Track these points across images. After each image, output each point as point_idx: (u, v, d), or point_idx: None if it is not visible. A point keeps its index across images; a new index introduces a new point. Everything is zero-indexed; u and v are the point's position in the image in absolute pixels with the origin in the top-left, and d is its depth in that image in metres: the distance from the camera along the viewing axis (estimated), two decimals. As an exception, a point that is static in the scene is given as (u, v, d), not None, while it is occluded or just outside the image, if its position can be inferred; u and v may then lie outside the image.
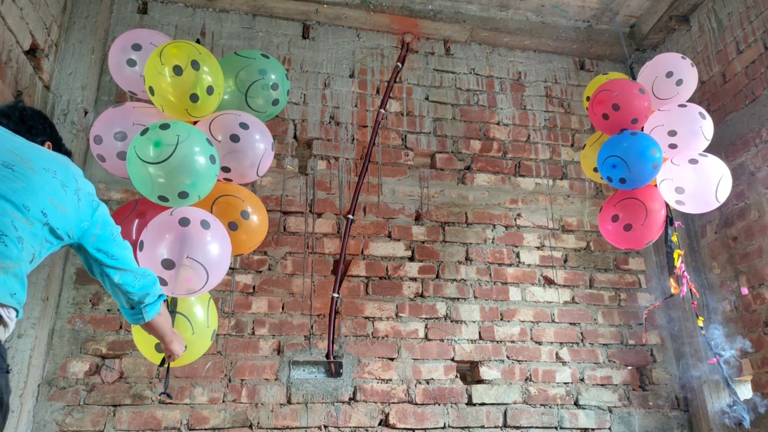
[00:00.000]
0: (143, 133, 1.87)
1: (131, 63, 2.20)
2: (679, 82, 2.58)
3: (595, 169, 2.78)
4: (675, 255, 2.54)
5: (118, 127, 2.11)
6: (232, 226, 2.08)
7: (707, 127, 2.51)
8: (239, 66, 2.29)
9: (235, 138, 2.11)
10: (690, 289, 2.53)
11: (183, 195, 1.89)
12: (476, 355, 2.96)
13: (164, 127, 1.87)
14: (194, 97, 2.02)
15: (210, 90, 2.05)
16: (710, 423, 2.96)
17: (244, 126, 2.14)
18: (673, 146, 2.53)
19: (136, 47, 2.20)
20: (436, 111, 3.41)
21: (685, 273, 2.53)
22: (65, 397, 2.49)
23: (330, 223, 3.03)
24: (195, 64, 2.00)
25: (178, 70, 1.98)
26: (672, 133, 2.50)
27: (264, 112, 2.35)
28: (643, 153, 2.36)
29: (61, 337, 2.58)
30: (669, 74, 2.58)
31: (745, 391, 3.01)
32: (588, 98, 2.83)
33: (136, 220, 2.03)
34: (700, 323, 2.59)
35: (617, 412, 3.00)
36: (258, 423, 2.62)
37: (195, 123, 2.15)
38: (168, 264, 1.83)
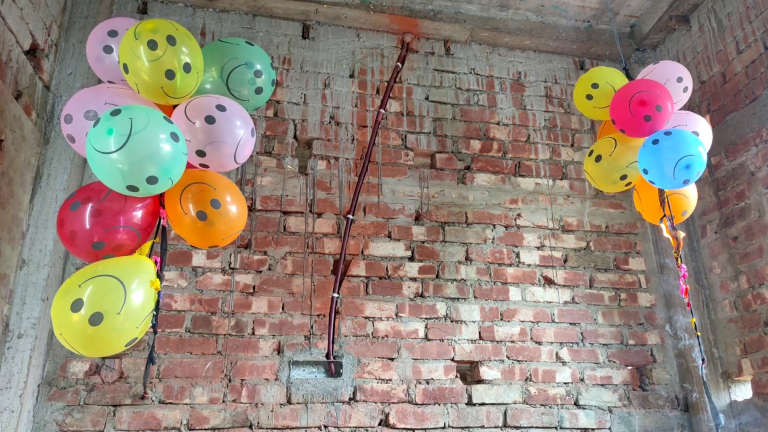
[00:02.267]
0: (96, 124, 1.78)
1: (108, 50, 2.10)
2: (685, 89, 2.60)
3: (622, 177, 2.58)
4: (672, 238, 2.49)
5: (89, 106, 2.01)
6: (200, 216, 1.99)
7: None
8: (222, 52, 2.21)
9: (210, 120, 2.00)
10: (684, 291, 2.49)
11: (152, 180, 1.79)
12: (476, 355, 2.96)
13: (115, 113, 1.78)
14: (170, 74, 1.92)
15: (187, 67, 1.95)
16: (710, 423, 2.96)
17: (221, 108, 2.03)
18: None
19: (112, 33, 2.10)
20: (436, 111, 3.40)
21: (685, 272, 2.49)
22: (65, 397, 2.49)
23: (330, 223, 3.04)
24: (171, 40, 1.91)
25: (153, 45, 1.88)
26: (695, 134, 2.52)
27: (247, 100, 2.26)
28: (701, 148, 2.37)
29: (61, 337, 2.58)
30: (680, 80, 2.59)
31: (744, 391, 3.01)
32: (588, 96, 2.65)
33: (90, 205, 1.92)
34: (693, 324, 2.58)
35: (617, 412, 3.00)
36: (258, 423, 2.62)
37: (173, 108, 2.07)
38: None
